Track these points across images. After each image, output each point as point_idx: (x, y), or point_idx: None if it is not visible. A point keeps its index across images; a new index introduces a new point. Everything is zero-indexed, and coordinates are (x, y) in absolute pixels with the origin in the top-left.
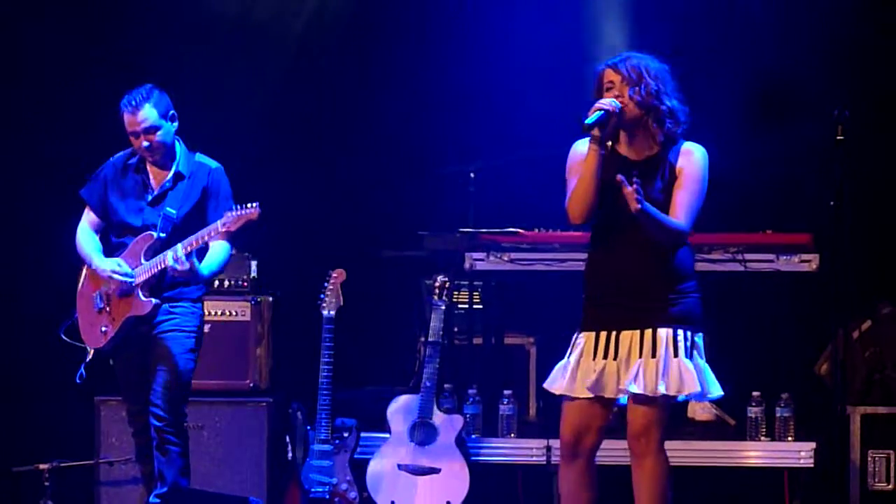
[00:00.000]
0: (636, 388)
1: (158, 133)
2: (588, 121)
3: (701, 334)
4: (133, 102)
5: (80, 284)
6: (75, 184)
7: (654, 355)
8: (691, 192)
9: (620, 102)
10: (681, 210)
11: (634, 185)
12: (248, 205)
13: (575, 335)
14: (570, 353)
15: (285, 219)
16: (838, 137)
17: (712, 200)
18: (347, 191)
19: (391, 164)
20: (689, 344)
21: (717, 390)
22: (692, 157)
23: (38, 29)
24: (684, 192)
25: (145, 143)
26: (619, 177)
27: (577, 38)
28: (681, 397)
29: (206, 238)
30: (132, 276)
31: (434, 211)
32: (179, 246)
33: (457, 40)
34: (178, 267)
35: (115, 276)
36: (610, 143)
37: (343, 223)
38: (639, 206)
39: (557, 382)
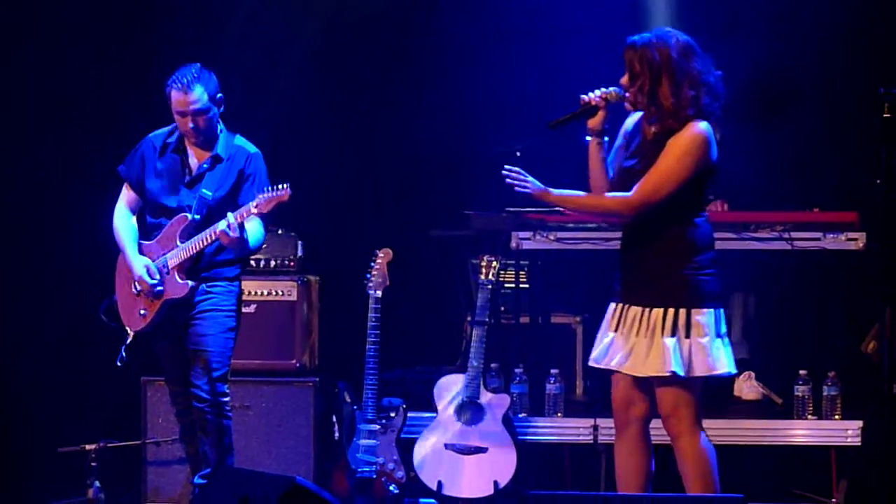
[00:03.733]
0: (626, 369)
1: (207, 115)
2: (551, 122)
3: (707, 311)
4: (184, 81)
5: (118, 264)
6: (116, 163)
7: (646, 335)
8: (659, 166)
9: (625, 89)
10: (642, 182)
11: (514, 176)
12: (279, 186)
13: None
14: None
15: (332, 198)
16: (884, 115)
17: (759, 178)
18: (394, 170)
19: (437, 144)
20: (682, 322)
21: (723, 366)
22: (680, 133)
23: (77, 11)
24: (654, 167)
25: (192, 125)
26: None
27: (625, 17)
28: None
29: (243, 217)
30: (160, 284)
31: (480, 190)
32: (231, 215)
33: (504, 18)
34: (231, 234)
35: (144, 282)
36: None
37: (389, 203)
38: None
39: (592, 355)
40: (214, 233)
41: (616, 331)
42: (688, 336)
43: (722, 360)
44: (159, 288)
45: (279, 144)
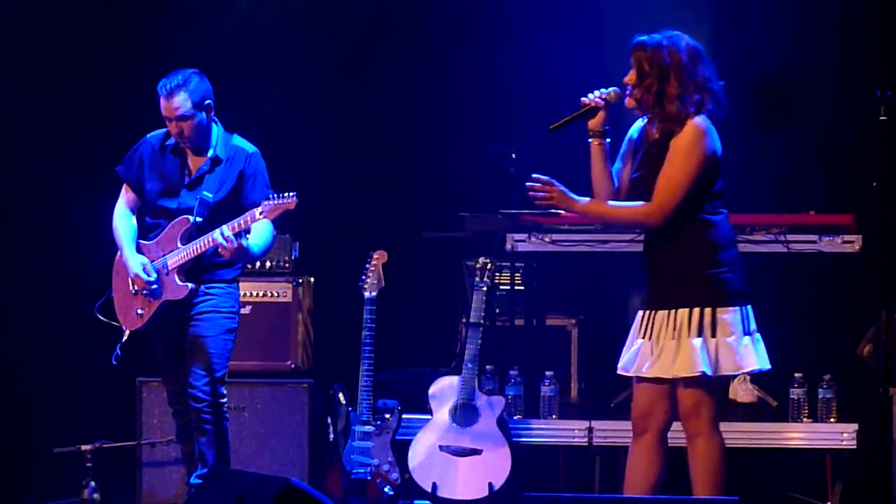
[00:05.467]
0: (655, 373)
1: (191, 121)
2: (552, 125)
3: (733, 309)
4: (168, 87)
5: (115, 263)
6: (110, 163)
7: (673, 337)
8: (669, 171)
9: (632, 88)
10: (656, 191)
11: (538, 188)
12: (286, 194)
13: None
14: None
15: (327, 200)
16: (881, 118)
17: (755, 181)
18: (389, 172)
19: (432, 145)
20: (707, 321)
21: (751, 364)
22: (680, 134)
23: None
24: (662, 172)
25: (177, 130)
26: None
27: (615, 21)
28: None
29: (246, 224)
30: (156, 283)
31: (475, 192)
32: (226, 227)
33: (496, 19)
34: (227, 245)
35: (140, 280)
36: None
37: (385, 204)
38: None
39: (620, 363)
40: (213, 239)
41: (644, 337)
42: (714, 335)
43: (750, 356)
44: (156, 286)
45: (274, 146)
